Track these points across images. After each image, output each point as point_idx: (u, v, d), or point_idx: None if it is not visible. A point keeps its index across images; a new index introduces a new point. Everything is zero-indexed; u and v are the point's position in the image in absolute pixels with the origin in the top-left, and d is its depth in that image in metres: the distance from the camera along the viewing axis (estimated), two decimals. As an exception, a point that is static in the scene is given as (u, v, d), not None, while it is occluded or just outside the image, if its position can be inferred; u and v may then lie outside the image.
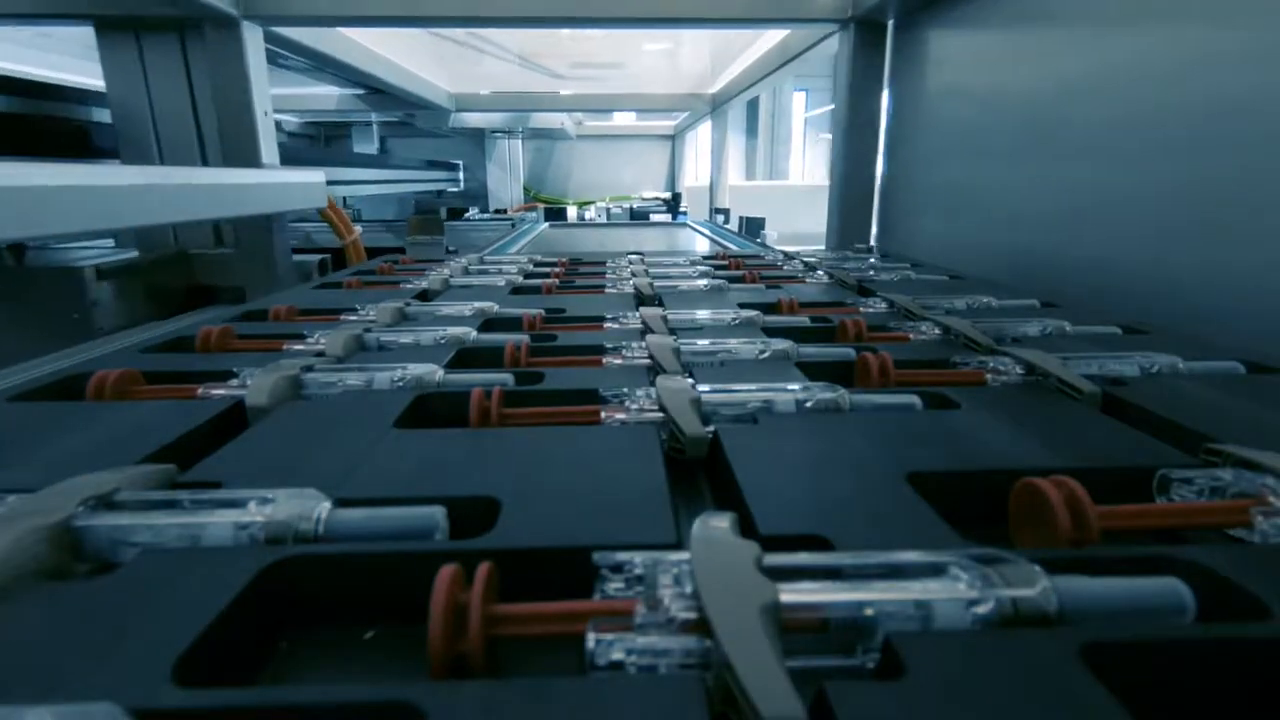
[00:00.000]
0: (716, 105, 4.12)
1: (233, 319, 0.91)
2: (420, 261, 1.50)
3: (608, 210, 4.57)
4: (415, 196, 5.20)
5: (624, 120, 5.94)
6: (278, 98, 3.96)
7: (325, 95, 3.71)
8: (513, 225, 3.71)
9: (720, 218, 4.11)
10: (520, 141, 5.42)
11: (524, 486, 0.41)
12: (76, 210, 1.05)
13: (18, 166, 0.95)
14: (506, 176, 5.39)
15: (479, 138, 5.26)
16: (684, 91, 4.17)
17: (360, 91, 3.43)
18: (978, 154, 1.44)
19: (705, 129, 5.30)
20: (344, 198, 4.93)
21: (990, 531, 0.38)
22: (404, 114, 4.07)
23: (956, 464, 0.45)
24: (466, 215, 4.31)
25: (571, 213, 4.49)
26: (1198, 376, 0.63)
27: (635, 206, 4.58)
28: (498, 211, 4.75)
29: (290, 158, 2.45)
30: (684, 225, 3.92)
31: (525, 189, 5.53)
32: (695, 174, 5.85)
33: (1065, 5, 1.17)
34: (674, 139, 5.78)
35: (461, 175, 5.33)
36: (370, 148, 5.21)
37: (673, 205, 4.69)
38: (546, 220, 4.21)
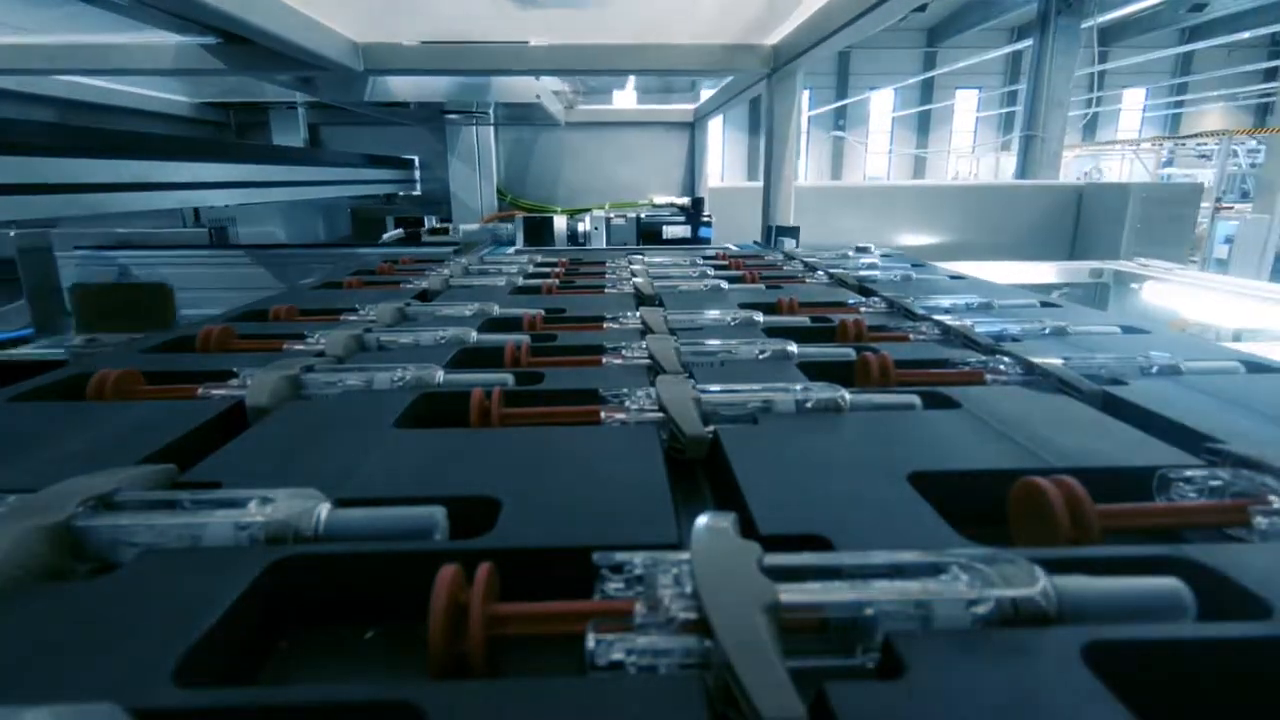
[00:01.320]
0: (779, 64, 2.46)
1: (233, 319, 0.91)
2: (421, 261, 1.50)
3: (606, 221, 3.43)
4: (352, 203, 3.92)
5: (628, 103, 4.49)
6: (55, 49, 2.12)
7: (154, 45, 2.24)
8: (456, 250, 2.53)
9: (790, 242, 2.52)
10: (492, 130, 4.05)
11: (524, 486, 0.41)
12: None
13: None
14: (475, 176, 4.03)
15: (440, 127, 3.97)
16: (724, 42, 2.51)
17: (209, 40, 2.12)
18: None
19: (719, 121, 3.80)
20: (194, 209, 3.23)
21: (990, 531, 0.38)
22: (291, 77, 2.64)
23: (956, 464, 0.45)
24: (386, 236, 3.20)
25: (559, 224, 3.33)
26: (1198, 376, 0.64)
27: (644, 217, 3.45)
28: (432, 231, 3.34)
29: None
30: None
31: (500, 193, 4.17)
32: (718, 172, 4.51)
33: None
34: (693, 127, 4.28)
35: (418, 174, 4.08)
36: (295, 139, 3.84)
37: (692, 215, 3.53)
38: (524, 239, 3.14)
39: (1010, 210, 4.10)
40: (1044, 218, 4.03)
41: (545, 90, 3.26)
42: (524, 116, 3.85)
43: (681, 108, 4.35)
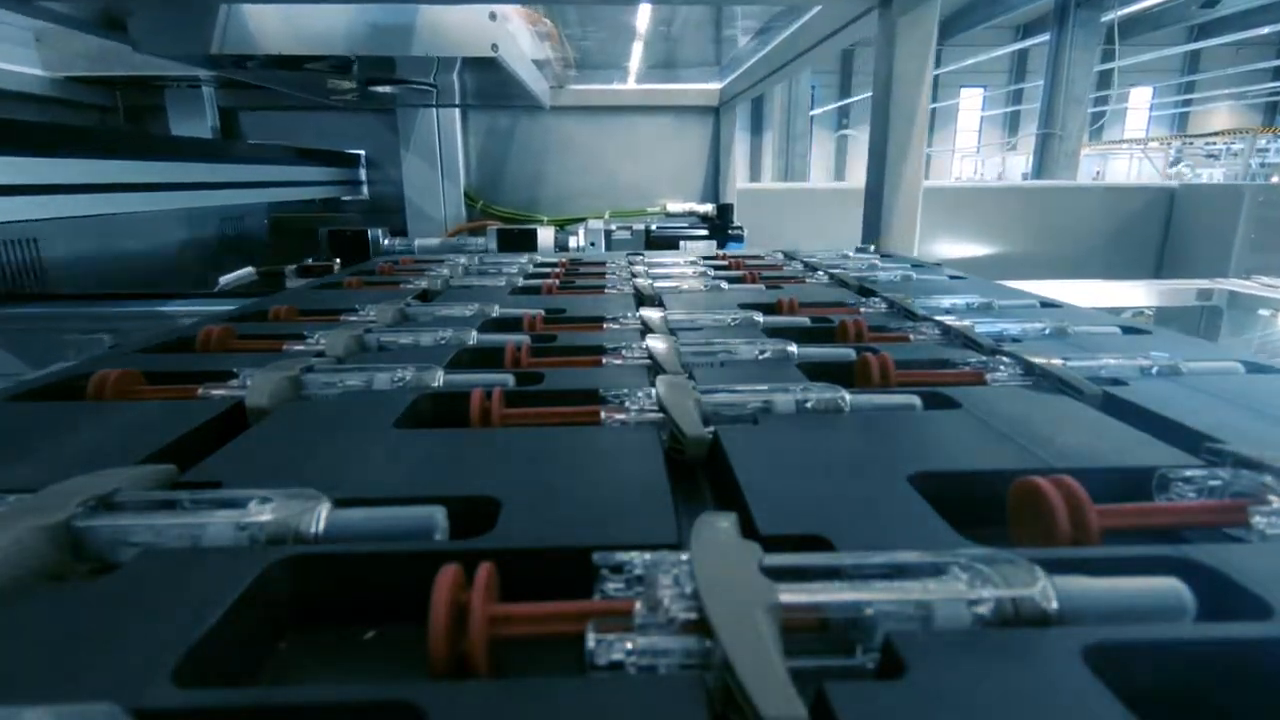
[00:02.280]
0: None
1: (232, 319, 0.91)
2: (422, 261, 1.49)
3: (606, 233, 2.68)
4: (272, 215, 2.93)
5: (632, 83, 3.40)
6: None
7: None
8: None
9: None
10: (458, 115, 3.01)
11: (524, 486, 0.41)
12: None
13: None
14: (436, 175, 2.99)
15: (390, 112, 2.93)
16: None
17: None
18: None
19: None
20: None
21: (990, 531, 0.38)
22: (81, 11, 1.66)
23: (956, 464, 0.45)
24: (226, 280, 2.12)
25: (545, 237, 2.54)
26: (1198, 376, 0.63)
27: (654, 228, 2.70)
28: (304, 270, 2.08)
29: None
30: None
31: (469, 198, 3.13)
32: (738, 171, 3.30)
33: None
34: (718, 113, 3.27)
35: (364, 173, 3.01)
36: (200, 128, 2.74)
37: (719, 225, 2.76)
38: (499, 250, 2.41)
39: (1077, 217, 3.36)
40: (1123, 226, 3.33)
41: (514, 47, 1.87)
42: (499, 95, 2.74)
43: (703, 88, 3.27)
